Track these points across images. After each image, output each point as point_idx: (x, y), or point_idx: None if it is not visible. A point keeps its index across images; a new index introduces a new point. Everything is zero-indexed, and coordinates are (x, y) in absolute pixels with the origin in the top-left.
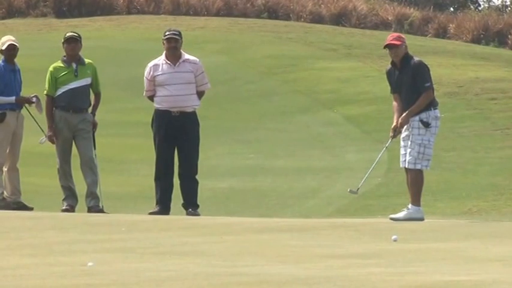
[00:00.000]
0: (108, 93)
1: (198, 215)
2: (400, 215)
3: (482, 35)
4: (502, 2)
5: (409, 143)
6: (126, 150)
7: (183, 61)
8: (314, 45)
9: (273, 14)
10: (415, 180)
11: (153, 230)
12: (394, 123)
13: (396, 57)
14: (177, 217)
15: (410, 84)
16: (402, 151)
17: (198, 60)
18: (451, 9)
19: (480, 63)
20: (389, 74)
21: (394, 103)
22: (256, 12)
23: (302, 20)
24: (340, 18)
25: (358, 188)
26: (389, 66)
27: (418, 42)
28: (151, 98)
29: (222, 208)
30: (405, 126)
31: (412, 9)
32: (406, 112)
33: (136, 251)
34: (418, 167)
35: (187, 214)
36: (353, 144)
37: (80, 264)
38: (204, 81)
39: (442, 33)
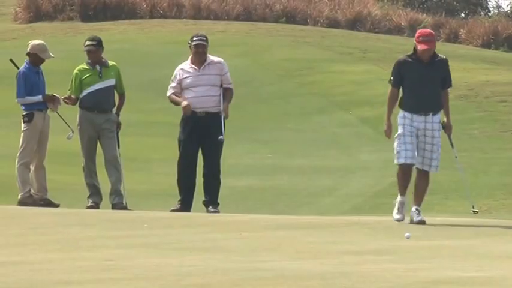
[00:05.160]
0: (131, 94)
1: (218, 212)
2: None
3: (492, 40)
4: (511, 8)
5: (432, 146)
6: (149, 149)
7: (208, 64)
8: (330, 49)
9: (290, 18)
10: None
11: (174, 226)
12: (388, 125)
13: (429, 55)
14: (198, 214)
15: (438, 80)
16: (410, 152)
17: (222, 60)
18: (462, 15)
19: (490, 67)
20: (403, 66)
21: (391, 98)
22: (274, 17)
23: (319, 24)
24: (355, 23)
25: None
26: (404, 57)
27: None
28: (173, 99)
29: (241, 206)
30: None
31: (424, 14)
32: (448, 116)
33: (158, 246)
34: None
35: (208, 212)
36: (367, 144)
37: (104, 259)
38: (228, 81)
39: (453, 38)
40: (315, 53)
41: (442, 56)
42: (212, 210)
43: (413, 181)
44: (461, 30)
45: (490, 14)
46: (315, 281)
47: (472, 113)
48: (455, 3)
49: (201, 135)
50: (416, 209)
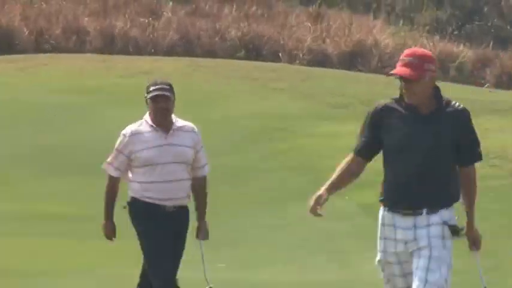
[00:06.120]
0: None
1: None
2: None
3: None
4: None
5: (428, 263)
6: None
7: (177, 129)
8: (315, 98)
9: (253, 52)
10: None
11: None
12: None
13: (414, 96)
14: None
15: (445, 147)
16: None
17: (194, 127)
18: None
19: None
20: (381, 116)
21: (347, 165)
22: (228, 50)
23: (297, 61)
24: (353, 59)
25: None
26: (385, 102)
27: (472, 95)
28: (113, 179)
29: None
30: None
31: (462, 45)
32: (471, 217)
33: None
34: None
35: None
36: (372, 246)
37: None
38: (203, 161)
39: (506, 81)
40: (291, 105)
41: (457, 104)
42: None
43: None
44: None
45: None
46: None
47: None
48: (508, 28)
49: (173, 229)
50: None
